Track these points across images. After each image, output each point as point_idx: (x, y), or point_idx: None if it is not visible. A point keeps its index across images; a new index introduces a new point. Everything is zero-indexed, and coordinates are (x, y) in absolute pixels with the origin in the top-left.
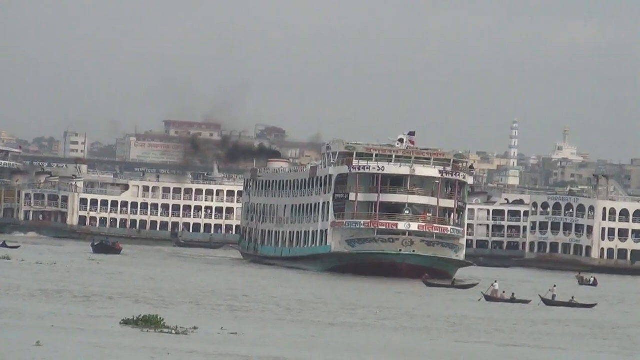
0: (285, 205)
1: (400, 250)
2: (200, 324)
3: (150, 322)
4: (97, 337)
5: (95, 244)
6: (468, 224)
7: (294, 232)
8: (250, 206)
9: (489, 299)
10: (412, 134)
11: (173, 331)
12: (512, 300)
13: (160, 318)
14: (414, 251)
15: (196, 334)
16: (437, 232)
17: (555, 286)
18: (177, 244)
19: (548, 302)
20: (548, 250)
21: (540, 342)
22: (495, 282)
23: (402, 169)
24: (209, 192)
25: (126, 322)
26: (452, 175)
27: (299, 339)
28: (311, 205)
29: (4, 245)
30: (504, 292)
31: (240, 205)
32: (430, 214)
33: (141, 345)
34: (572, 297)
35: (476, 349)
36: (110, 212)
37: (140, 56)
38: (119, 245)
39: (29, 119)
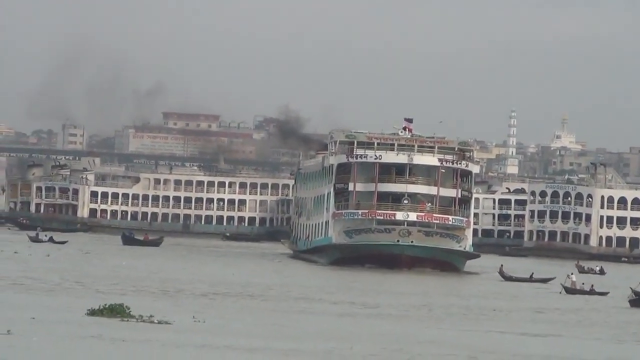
0: (310, 198)
1: (398, 240)
2: (173, 313)
3: (115, 311)
4: (63, 327)
5: (127, 235)
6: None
7: (312, 225)
8: (297, 200)
9: (569, 290)
10: (409, 120)
11: (138, 320)
12: (592, 292)
13: (127, 307)
14: (412, 242)
15: (165, 323)
16: (437, 222)
17: (571, 274)
18: (224, 238)
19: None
20: (547, 238)
21: None
22: (572, 273)
23: (400, 157)
24: (221, 184)
25: (92, 312)
26: (454, 164)
27: (264, 327)
28: (321, 196)
29: (52, 240)
30: (583, 283)
31: (252, 197)
32: (431, 204)
33: (103, 334)
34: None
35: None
36: (122, 204)
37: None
38: (147, 237)
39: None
